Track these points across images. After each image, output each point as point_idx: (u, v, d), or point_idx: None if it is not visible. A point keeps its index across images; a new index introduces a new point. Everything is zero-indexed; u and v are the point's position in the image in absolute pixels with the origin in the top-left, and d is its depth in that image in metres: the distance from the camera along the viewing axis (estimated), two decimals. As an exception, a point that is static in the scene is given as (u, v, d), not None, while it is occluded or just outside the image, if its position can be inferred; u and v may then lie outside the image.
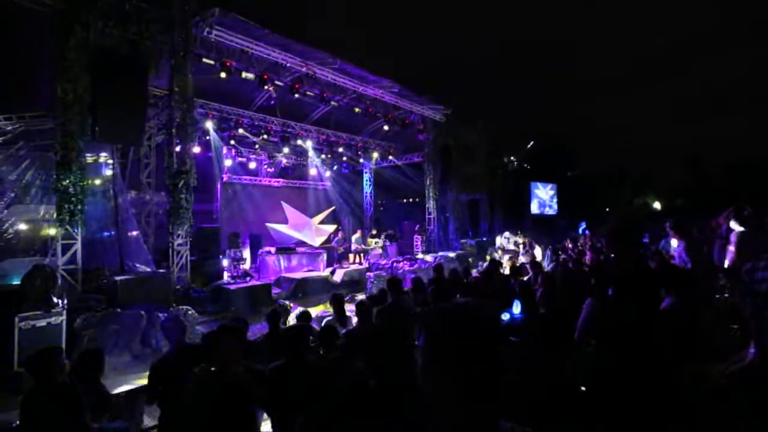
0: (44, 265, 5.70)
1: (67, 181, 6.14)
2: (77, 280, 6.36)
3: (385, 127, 13.06)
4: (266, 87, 9.47)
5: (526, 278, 5.75)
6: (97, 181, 8.32)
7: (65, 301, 5.38)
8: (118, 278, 6.60)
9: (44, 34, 6.52)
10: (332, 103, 11.17)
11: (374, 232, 15.28)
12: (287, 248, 11.62)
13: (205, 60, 8.29)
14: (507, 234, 13.24)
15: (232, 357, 2.55)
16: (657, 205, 26.80)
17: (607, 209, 26.40)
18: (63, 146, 6.18)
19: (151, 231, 10.33)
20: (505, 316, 3.55)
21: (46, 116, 7.96)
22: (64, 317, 5.14)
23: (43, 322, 4.94)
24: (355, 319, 4.32)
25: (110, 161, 8.99)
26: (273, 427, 2.67)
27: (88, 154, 6.93)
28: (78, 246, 6.39)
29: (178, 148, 7.76)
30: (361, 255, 12.77)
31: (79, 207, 6.27)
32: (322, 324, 4.16)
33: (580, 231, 14.31)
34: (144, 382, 3.19)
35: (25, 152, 8.63)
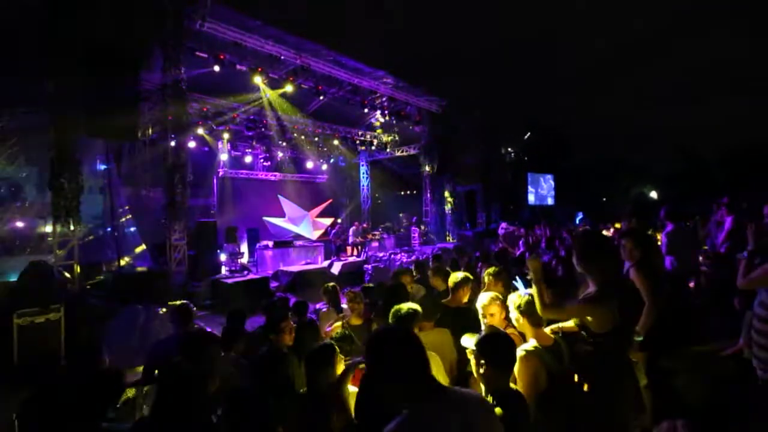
0: (40, 262, 5.71)
1: (62, 177, 6.13)
2: (74, 277, 6.38)
3: (381, 120, 13.01)
4: (257, 80, 9.40)
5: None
6: (92, 178, 8.30)
7: (63, 298, 5.40)
8: (115, 274, 6.61)
9: (36, 28, 6.46)
10: (327, 95, 11.10)
11: (371, 224, 15.30)
12: (285, 242, 11.63)
13: (197, 53, 8.22)
14: (504, 224, 13.28)
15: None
16: (654, 195, 26.82)
17: (604, 199, 26.43)
18: (57, 143, 6.16)
19: (148, 227, 10.31)
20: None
21: (40, 112, 7.91)
22: (61, 314, 5.16)
23: (41, 319, 4.97)
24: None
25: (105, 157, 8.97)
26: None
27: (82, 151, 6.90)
28: (74, 242, 6.39)
29: (172, 143, 7.72)
30: (359, 247, 12.80)
31: (75, 203, 6.27)
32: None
33: (577, 221, 14.32)
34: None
35: (19, 149, 8.57)
